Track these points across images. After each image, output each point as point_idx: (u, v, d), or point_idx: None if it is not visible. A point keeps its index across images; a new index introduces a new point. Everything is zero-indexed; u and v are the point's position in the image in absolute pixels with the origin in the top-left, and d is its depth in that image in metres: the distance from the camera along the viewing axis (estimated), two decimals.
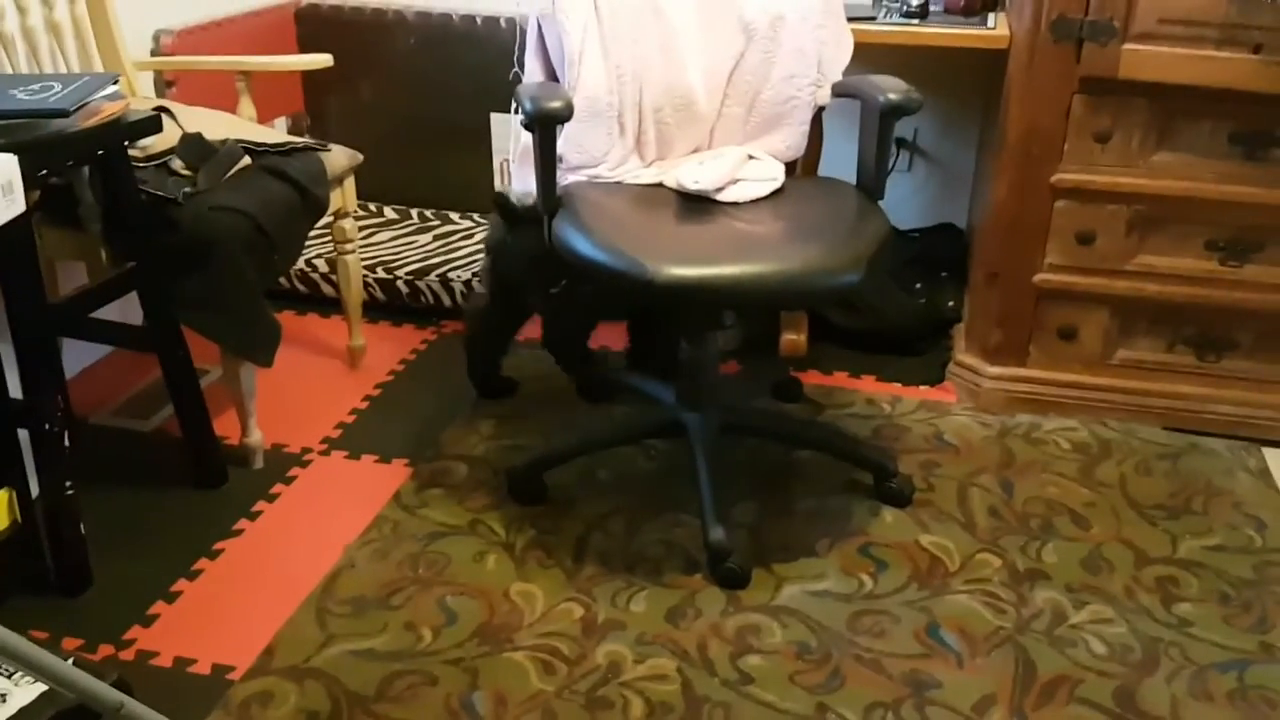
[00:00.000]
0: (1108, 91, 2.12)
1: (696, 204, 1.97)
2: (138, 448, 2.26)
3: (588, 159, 2.04)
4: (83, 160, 1.83)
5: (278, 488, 2.12)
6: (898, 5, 2.42)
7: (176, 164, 2.02)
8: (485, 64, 2.89)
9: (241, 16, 2.84)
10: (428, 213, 3.11)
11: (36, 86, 1.76)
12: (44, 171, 1.71)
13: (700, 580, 1.87)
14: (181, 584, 1.86)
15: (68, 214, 1.95)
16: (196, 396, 2.06)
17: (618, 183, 2.06)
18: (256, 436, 2.18)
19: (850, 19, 2.19)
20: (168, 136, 2.01)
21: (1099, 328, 2.32)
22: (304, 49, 3.02)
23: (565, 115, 1.79)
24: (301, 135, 2.48)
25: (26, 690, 1.31)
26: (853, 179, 2.05)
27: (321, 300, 2.81)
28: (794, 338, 2.59)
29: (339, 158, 2.30)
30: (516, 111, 1.88)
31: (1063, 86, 2.14)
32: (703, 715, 1.59)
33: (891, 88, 1.88)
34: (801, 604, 1.82)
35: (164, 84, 2.59)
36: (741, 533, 1.98)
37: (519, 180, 2.11)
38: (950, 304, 2.67)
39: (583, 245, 1.81)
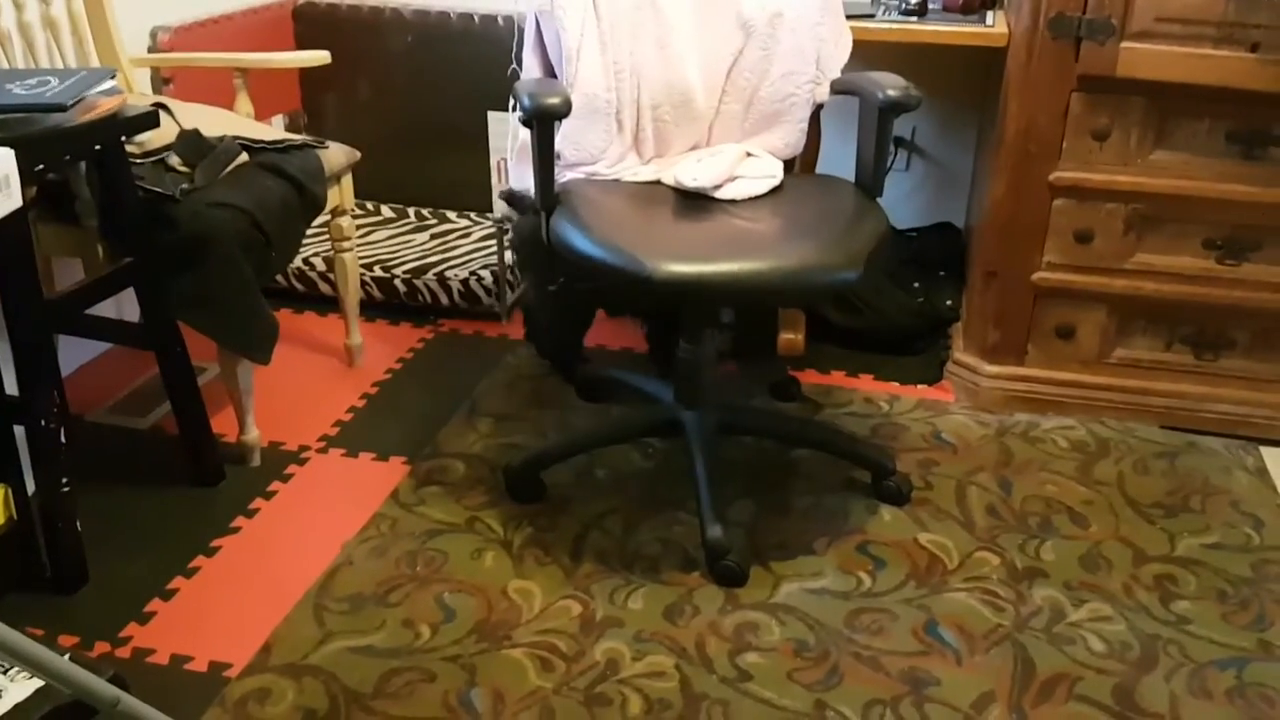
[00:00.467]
0: (1106, 90, 2.12)
1: (695, 201, 1.97)
2: (134, 445, 2.26)
3: (586, 156, 2.04)
4: (79, 155, 1.82)
5: (275, 485, 2.12)
6: (896, 3, 2.42)
7: (174, 160, 2.01)
8: (483, 62, 2.89)
9: (239, 14, 2.83)
10: (425, 211, 3.11)
11: (33, 81, 1.75)
12: (41, 166, 1.71)
13: (698, 578, 1.86)
14: (178, 581, 1.86)
15: (64, 210, 1.94)
16: (194, 394, 2.06)
17: (616, 180, 2.06)
18: (254, 434, 2.17)
19: (849, 16, 2.19)
20: (165, 133, 2.00)
21: (1097, 326, 2.32)
22: (301, 47, 3.01)
23: (563, 111, 1.79)
24: (299, 133, 2.47)
25: (22, 686, 1.31)
26: (851, 178, 2.05)
27: (319, 299, 2.81)
28: (792, 337, 2.59)
29: (336, 155, 2.30)
30: (514, 108, 1.87)
31: (1061, 85, 2.14)
32: (701, 712, 1.59)
33: (890, 84, 1.87)
34: (800, 602, 1.81)
35: (161, 81, 2.58)
36: (739, 531, 1.98)
37: (516, 177, 2.11)
38: (948, 303, 2.67)
39: (581, 242, 1.81)
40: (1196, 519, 2.04)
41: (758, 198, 1.98)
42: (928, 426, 2.32)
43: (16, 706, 1.26)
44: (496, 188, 2.73)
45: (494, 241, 2.85)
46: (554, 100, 1.77)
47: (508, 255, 2.74)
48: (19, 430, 1.76)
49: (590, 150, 2.04)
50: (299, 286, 2.81)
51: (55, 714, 1.25)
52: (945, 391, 2.48)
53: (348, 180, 2.37)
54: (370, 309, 2.76)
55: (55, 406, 1.77)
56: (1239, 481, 2.15)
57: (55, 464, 1.77)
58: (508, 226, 2.69)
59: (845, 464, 2.15)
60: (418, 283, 2.75)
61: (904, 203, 2.96)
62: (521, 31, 2.11)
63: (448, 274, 2.74)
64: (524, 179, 2.04)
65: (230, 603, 1.81)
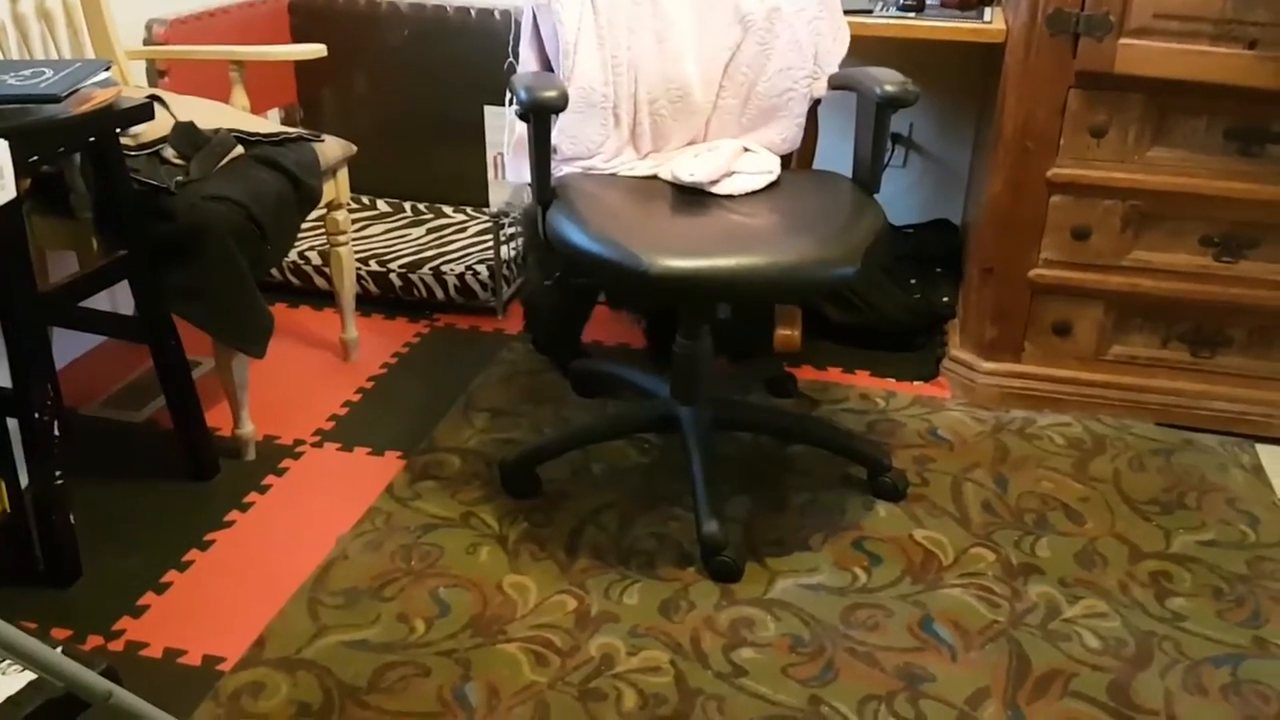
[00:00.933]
0: (1104, 86, 2.12)
1: (691, 196, 1.97)
2: (129, 439, 2.25)
3: (582, 150, 2.03)
4: (74, 147, 1.81)
5: (269, 479, 2.11)
6: None
7: (169, 153, 2.00)
8: (479, 56, 2.88)
9: (235, 7, 2.82)
10: (421, 206, 3.10)
11: (28, 72, 1.74)
12: (35, 158, 1.70)
13: (693, 573, 1.86)
14: (172, 575, 1.85)
15: (59, 202, 1.94)
16: (188, 387, 2.05)
17: (612, 174, 2.05)
18: (248, 428, 2.16)
19: (847, 11, 2.19)
20: (160, 125, 2.00)
21: (1093, 323, 2.32)
22: (297, 40, 3.00)
23: (560, 105, 1.78)
24: (294, 127, 2.47)
25: (14, 679, 1.30)
26: (848, 174, 2.05)
27: (314, 293, 2.80)
28: (788, 333, 2.59)
29: (332, 148, 2.29)
30: (511, 102, 1.87)
31: (1059, 81, 2.14)
32: (695, 707, 1.59)
33: (888, 80, 1.87)
34: (795, 597, 1.81)
35: (156, 74, 2.57)
36: (735, 526, 1.98)
37: (513, 171, 2.10)
38: (945, 299, 2.66)
39: (578, 237, 1.80)
40: (1192, 516, 2.04)
41: (755, 193, 1.98)
42: (924, 423, 2.32)
43: (8, 699, 1.26)
44: (493, 182, 2.73)
45: (490, 236, 2.84)
46: (551, 94, 1.77)
47: (504, 249, 2.73)
48: (12, 423, 1.76)
49: (587, 144, 2.03)
50: (294, 280, 2.80)
51: (47, 707, 1.24)
52: (941, 388, 2.47)
53: (343, 174, 2.36)
54: (366, 303, 2.76)
55: (49, 400, 1.76)
56: (1235, 479, 2.15)
57: (49, 457, 1.77)
58: (504, 221, 2.69)
59: (841, 460, 2.15)
60: (413, 277, 2.74)
61: (901, 199, 2.96)
62: (518, 25, 2.10)
63: (444, 268, 2.73)
64: (521, 173, 2.04)
65: (224, 596, 1.81)
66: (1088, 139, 2.17)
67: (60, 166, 1.90)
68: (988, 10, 2.39)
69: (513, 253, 2.80)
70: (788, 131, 2.12)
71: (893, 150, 2.91)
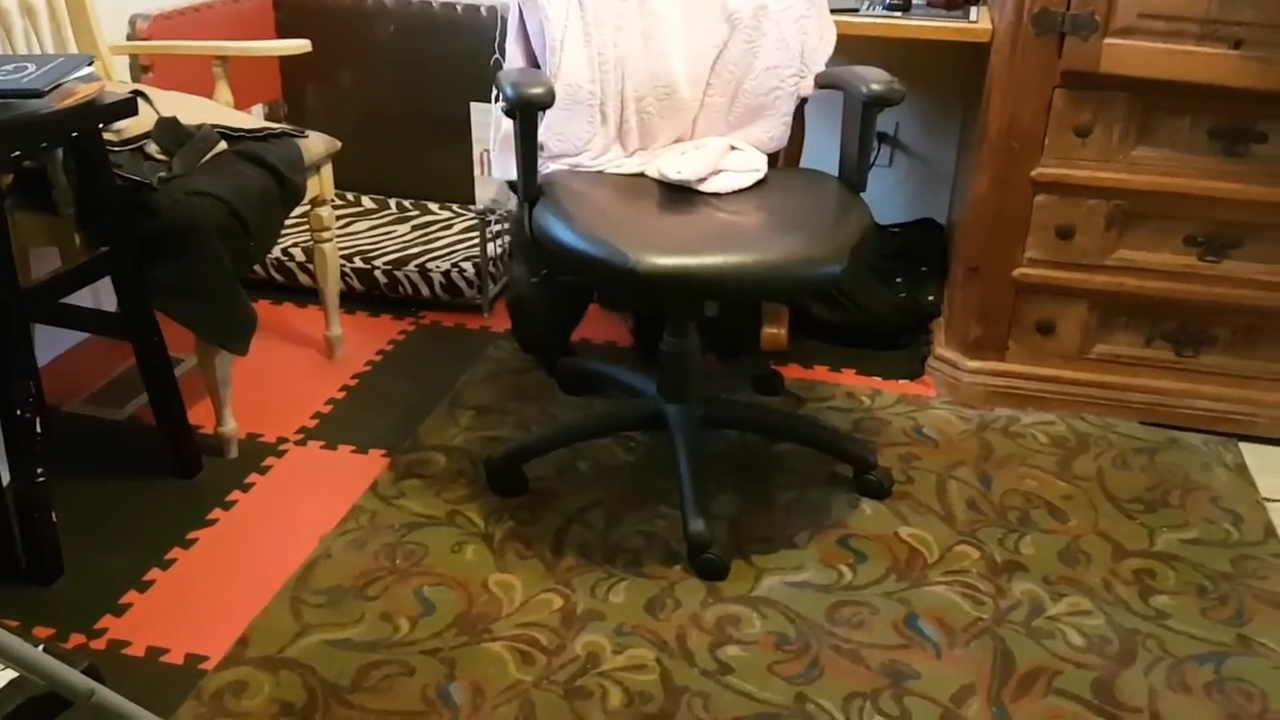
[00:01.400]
0: (1089, 86, 2.13)
1: (678, 194, 1.97)
2: (111, 436, 2.23)
3: (569, 147, 2.03)
4: (57, 142, 1.80)
5: (253, 477, 2.10)
6: None
7: (152, 148, 1.99)
8: (465, 53, 2.87)
9: (219, 3, 2.81)
10: (406, 203, 3.09)
11: (10, 67, 1.73)
12: (17, 153, 1.69)
13: (680, 571, 1.86)
14: (154, 573, 1.84)
15: (41, 198, 1.92)
16: (171, 385, 2.04)
17: (599, 172, 2.05)
18: (231, 426, 2.15)
19: (833, 10, 2.19)
20: (143, 120, 1.98)
21: (1078, 322, 2.32)
22: (282, 36, 2.99)
23: (547, 101, 1.78)
24: (279, 123, 2.45)
25: None
26: (834, 173, 2.05)
27: (298, 290, 2.79)
28: (775, 331, 2.59)
29: (316, 144, 2.28)
30: (497, 98, 1.87)
31: (1044, 80, 2.14)
32: (681, 705, 1.58)
33: (874, 78, 1.87)
34: (781, 595, 1.81)
35: (140, 69, 2.56)
36: (721, 524, 1.97)
37: (499, 168, 2.10)
38: (930, 298, 2.67)
39: (564, 234, 1.80)
40: (1176, 514, 2.05)
41: (742, 191, 1.98)
42: (909, 421, 2.33)
43: None
44: (479, 179, 2.72)
45: (476, 233, 2.83)
46: (537, 90, 1.76)
47: (490, 247, 2.73)
48: None
49: (574, 141, 2.03)
50: (278, 277, 2.79)
51: (29, 705, 1.23)
52: (927, 386, 2.48)
53: (328, 170, 2.35)
54: (350, 300, 2.74)
55: (31, 396, 1.75)
56: (1218, 477, 2.16)
57: (31, 454, 1.75)
58: (490, 219, 2.68)
59: (827, 458, 2.15)
60: (399, 274, 2.73)
61: (887, 198, 2.97)
62: (505, 21, 2.10)
63: (429, 265, 2.72)
64: (507, 170, 2.03)
65: (207, 595, 1.80)
66: (1073, 138, 2.18)
67: (43, 162, 1.88)
68: (973, 10, 2.39)
69: (499, 250, 2.79)
70: (775, 130, 2.12)
71: (878, 149, 2.92)
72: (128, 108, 1.83)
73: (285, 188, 2.12)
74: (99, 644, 1.69)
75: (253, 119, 2.29)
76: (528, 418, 2.30)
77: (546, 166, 2.02)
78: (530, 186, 1.88)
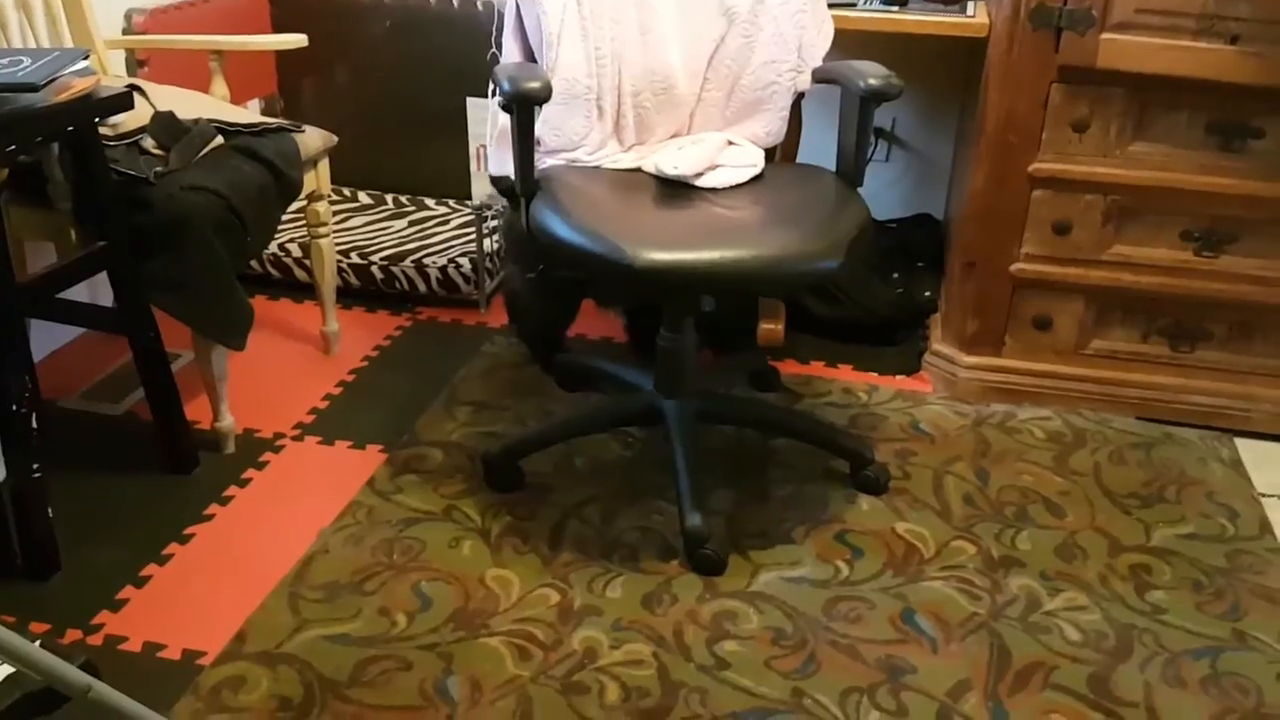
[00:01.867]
0: (1086, 81, 2.13)
1: (675, 189, 1.96)
2: (107, 431, 2.23)
3: (566, 142, 2.03)
4: (52, 136, 1.79)
5: (250, 473, 2.10)
6: None
7: (148, 143, 1.98)
8: (462, 48, 2.87)
9: None
10: (403, 198, 3.09)
11: (5, 61, 1.72)
12: (12, 147, 1.68)
13: (677, 566, 1.86)
14: (151, 569, 1.84)
15: (37, 193, 1.92)
16: (167, 380, 2.04)
17: (596, 167, 2.05)
18: (228, 421, 2.15)
19: (830, 5, 2.19)
20: (139, 115, 1.98)
21: (1074, 318, 2.33)
22: (278, 31, 2.98)
23: (544, 96, 1.78)
24: (275, 118, 2.45)
25: None
26: (831, 168, 2.05)
27: (294, 285, 2.78)
28: (772, 326, 2.59)
29: (313, 139, 2.27)
30: (494, 93, 1.86)
31: (1041, 75, 2.14)
32: (678, 700, 1.59)
33: (872, 73, 1.87)
34: (777, 590, 1.81)
35: (136, 63, 2.55)
36: (718, 520, 1.98)
37: (496, 163, 2.09)
38: (927, 294, 2.67)
39: (561, 229, 1.79)
40: (1172, 509, 2.05)
41: (738, 186, 1.97)
42: (906, 417, 2.33)
43: None
44: (476, 175, 2.72)
45: (473, 229, 2.83)
46: (534, 85, 1.76)
47: (487, 242, 2.72)
48: None
49: (571, 136, 2.03)
50: (274, 273, 2.79)
51: (26, 701, 1.23)
52: (923, 382, 2.48)
53: (324, 165, 2.35)
54: (347, 296, 2.74)
55: (27, 391, 1.75)
56: (1214, 473, 2.17)
57: (26, 450, 1.75)
58: (486, 214, 2.68)
59: (824, 453, 2.15)
60: (395, 270, 2.73)
61: (884, 193, 2.96)
62: (501, 16, 2.09)
63: (426, 261, 2.72)
64: (503, 165, 2.03)
65: (204, 590, 1.80)
66: (1069, 133, 2.18)
67: (38, 156, 1.88)
68: (970, 4, 2.39)
69: (495, 245, 2.79)
70: (772, 125, 2.12)
71: (875, 145, 2.92)
72: (124, 102, 1.83)
73: (282, 183, 2.12)
74: (96, 639, 1.69)
75: (249, 114, 2.29)
76: (524, 413, 2.30)
77: (543, 161, 2.01)
78: (527, 181, 1.88)
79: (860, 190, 1.98)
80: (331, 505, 1.99)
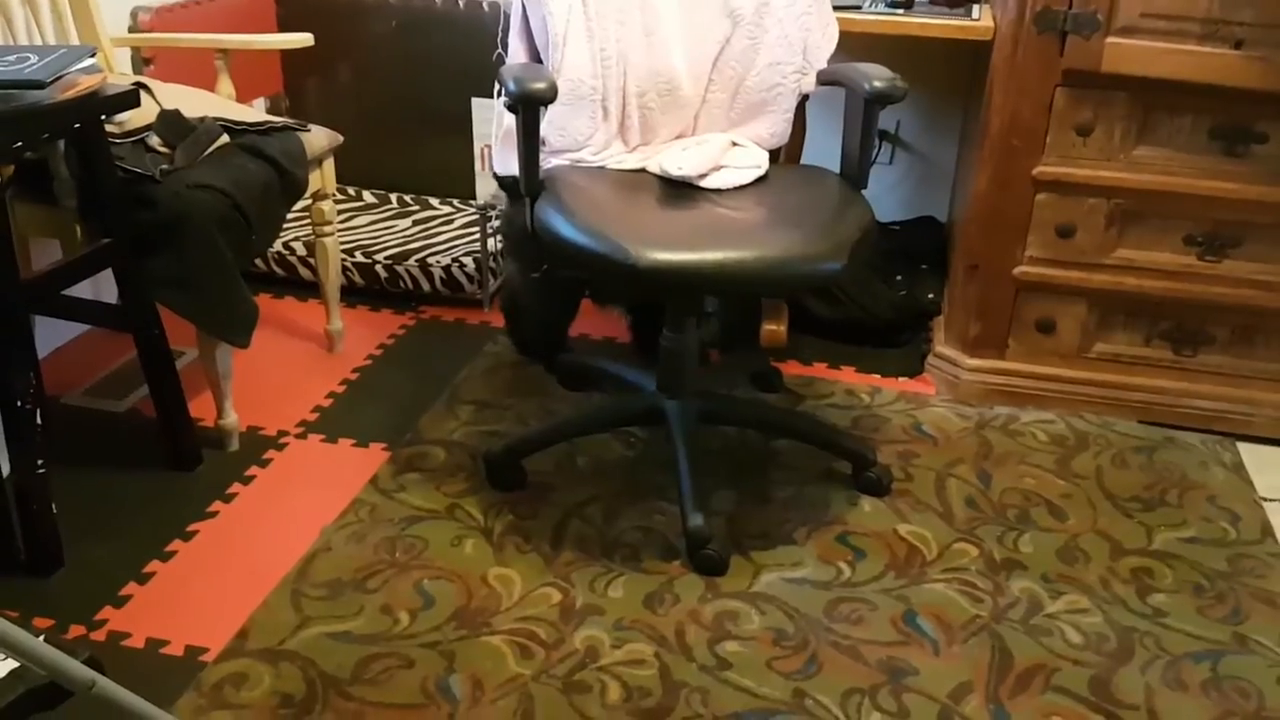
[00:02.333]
0: (1090, 85, 2.13)
1: (680, 190, 1.97)
2: (111, 428, 2.23)
3: (571, 143, 2.03)
4: (58, 134, 1.80)
5: (253, 470, 2.10)
6: None
7: (154, 140, 1.99)
8: (467, 48, 2.87)
9: None
10: (407, 197, 3.09)
11: (12, 58, 1.73)
12: (18, 144, 1.68)
13: (679, 567, 1.86)
14: (154, 565, 1.84)
15: (42, 190, 1.92)
16: (171, 377, 2.04)
17: (601, 168, 2.05)
18: (232, 418, 2.15)
19: (836, 7, 2.19)
20: (145, 113, 1.98)
21: (1077, 321, 2.33)
22: (284, 30, 2.98)
23: (549, 96, 1.78)
24: (280, 117, 2.45)
25: None
26: (835, 170, 2.05)
27: (299, 284, 2.79)
28: (774, 328, 2.59)
29: (318, 138, 2.28)
30: (499, 93, 1.86)
31: (1045, 79, 2.14)
32: (680, 700, 1.59)
33: (877, 75, 1.87)
34: (779, 591, 1.82)
35: (142, 61, 2.56)
36: (720, 520, 1.98)
37: (500, 163, 2.10)
38: (930, 296, 2.67)
39: (566, 229, 1.80)
40: (1173, 513, 2.05)
41: (743, 187, 1.98)
42: (908, 419, 2.33)
43: None
44: (480, 175, 2.72)
45: (477, 228, 2.84)
46: (540, 85, 1.76)
47: (491, 242, 2.73)
48: None
49: (575, 137, 2.03)
50: (279, 271, 2.79)
51: (29, 696, 1.23)
52: (926, 384, 2.48)
53: (329, 164, 2.35)
54: (351, 295, 2.75)
55: (31, 388, 1.75)
56: (1216, 476, 2.17)
57: (31, 446, 1.76)
58: (491, 214, 2.68)
59: (826, 455, 2.15)
60: (399, 269, 2.73)
61: (887, 196, 2.97)
62: (507, 16, 2.10)
63: (430, 260, 2.72)
64: (508, 164, 2.03)
65: (207, 587, 1.80)
66: (1073, 137, 2.18)
67: (44, 153, 1.88)
68: (975, 7, 2.39)
69: (499, 245, 2.79)
70: (776, 126, 2.12)
71: (879, 147, 2.92)
72: (130, 99, 1.84)
73: (287, 181, 2.13)
74: (99, 635, 1.69)
75: (254, 112, 2.29)
76: (527, 413, 2.30)
77: (548, 161, 2.02)
78: (532, 181, 1.88)
79: (864, 192, 1.98)
80: (334, 503, 2.00)
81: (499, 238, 2.77)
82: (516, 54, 2.08)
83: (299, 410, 2.30)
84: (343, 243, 2.77)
